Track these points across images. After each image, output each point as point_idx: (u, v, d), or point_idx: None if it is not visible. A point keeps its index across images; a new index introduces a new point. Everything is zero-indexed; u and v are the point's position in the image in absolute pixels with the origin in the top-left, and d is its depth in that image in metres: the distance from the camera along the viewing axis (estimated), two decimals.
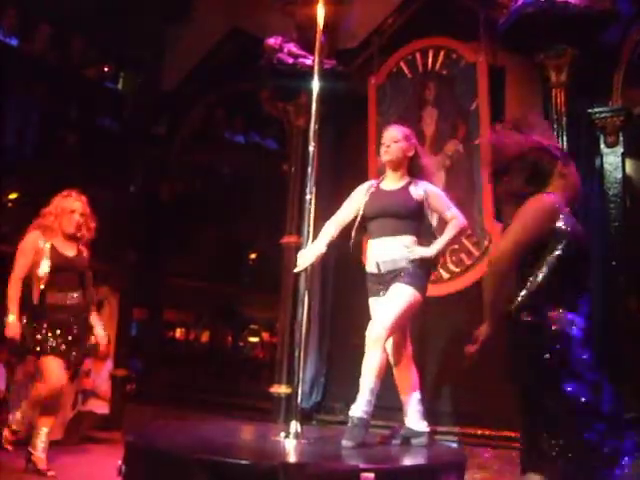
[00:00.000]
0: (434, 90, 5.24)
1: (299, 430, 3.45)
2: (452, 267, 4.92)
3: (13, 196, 6.90)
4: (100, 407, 6.09)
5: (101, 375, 6.24)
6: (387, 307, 3.50)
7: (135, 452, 3.26)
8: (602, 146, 4.68)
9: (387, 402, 4.89)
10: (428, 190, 3.65)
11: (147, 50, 7.29)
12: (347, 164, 5.56)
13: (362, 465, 2.83)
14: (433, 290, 4.94)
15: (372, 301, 3.73)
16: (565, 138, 4.41)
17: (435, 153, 5.14)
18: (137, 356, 7.22)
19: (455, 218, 3.62)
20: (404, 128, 3.77)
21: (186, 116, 7.27)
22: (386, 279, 3.58)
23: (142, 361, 7.24)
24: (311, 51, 4.56)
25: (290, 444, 3.45)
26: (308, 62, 5.15)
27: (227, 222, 7.97)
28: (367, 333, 3.54)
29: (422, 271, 3.58)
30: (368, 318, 5.17)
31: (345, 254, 5.38)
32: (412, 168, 3.71)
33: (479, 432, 4.56)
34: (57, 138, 6.92)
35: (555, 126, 4.39)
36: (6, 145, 6.53)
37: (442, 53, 5.22)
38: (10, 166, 6.46)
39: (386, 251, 3.58)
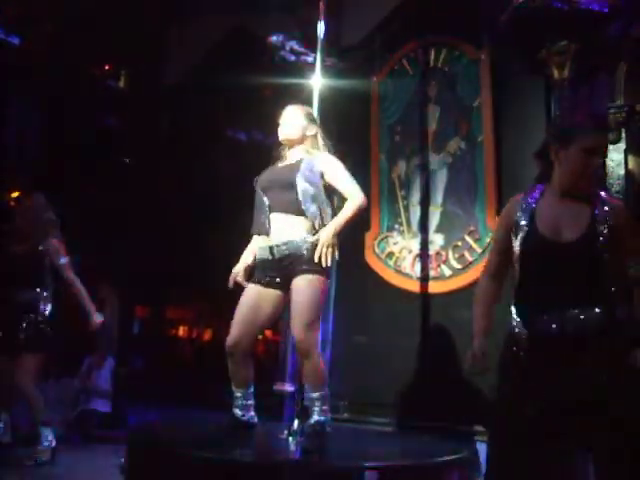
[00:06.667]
0: (436, 87, 5.22)
1: (302, 428, 3.45)
2: (454, 264, 4.91)
3: (14, 195, 6.90)
4: (102, 405, 6.10)
5: (103, 373, 6.25)
6: (300, 305, 3.24)
7: (138, 450, 3.26)
8: None
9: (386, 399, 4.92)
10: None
11: (148, 48, 7.29)
12: (349, 162, 5.54)
13: (367, 463, 2.83)
14: (435, 287, 4.97)
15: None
16: None
17: (437, 151, 5.14)
18: (139, 354, 7.22)
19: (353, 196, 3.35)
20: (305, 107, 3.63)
21: (187, 115, 7.27)
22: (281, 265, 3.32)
23: (144, 359, 7.24)
24: (313, 49, 4.55)
25: (293, 442, 3.45)
26: (310, 59, 5.14)
27: (228, 222, 7.97)
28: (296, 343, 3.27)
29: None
30: (371, 317, 5.17)
31: (347, 252, 5.42)
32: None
33: (482, 429, 4.55)
34: (58, 137, 6.93)
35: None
36: (7, 144, 6.54)
37: (444, 50, 5.20)
38: (11, 165, 6.47)
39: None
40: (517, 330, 2.48)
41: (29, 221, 4.63)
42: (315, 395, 3.25)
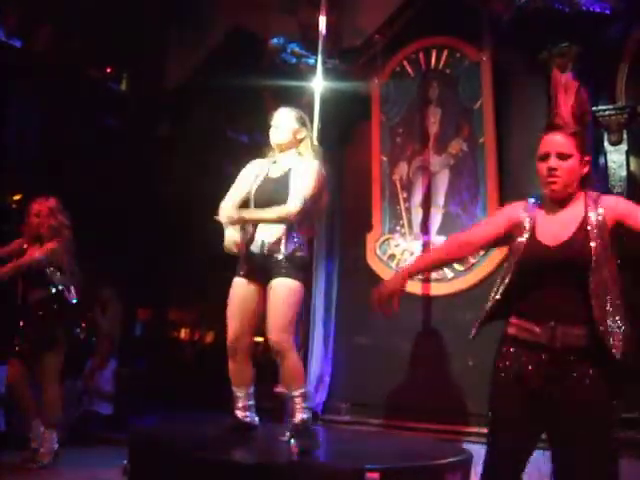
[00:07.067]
0: (438, 89, 5.23)
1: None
2: (456, 266, 4.90)
3: (16, 197, 6.90)
4: (104, 407, 6.11)
5: (105, 375, 6.25)
6: (276, 307, 3.29)
7: (140, 451, 3.26)
8: (606, 144, 4.66)
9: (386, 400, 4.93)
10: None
11: (148, 49, 7.29)
12: (350, 164, 5.56)
13: (367, 465, 2.83)
14: (437, 289, 4.97)
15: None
16: None
17: (439, 152, 5.14)
18: (141, 356, 7.22)
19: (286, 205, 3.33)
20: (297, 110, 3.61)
21: (188, 116, 7.28)
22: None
23: (146, 361, 7.24)
24: (314, 51, 4.55)
25: (295, 444, 3.44)
26: (311, 62, 5.14)
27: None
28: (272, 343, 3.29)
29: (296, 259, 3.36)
30: (373, 319, 5.16)
31: (349, 254, 5.42)
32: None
33: (484, 431, 4.54)
34: (58, 137, 6.92)
35: None
36: (7, 144, 6.54)
37: (445, 52, 5.21)
38: (11, 165, 6.47)
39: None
40: (512, 335, 2.46)
41: (43, 222, 4.62)
42: (295, 393, 3.28)
